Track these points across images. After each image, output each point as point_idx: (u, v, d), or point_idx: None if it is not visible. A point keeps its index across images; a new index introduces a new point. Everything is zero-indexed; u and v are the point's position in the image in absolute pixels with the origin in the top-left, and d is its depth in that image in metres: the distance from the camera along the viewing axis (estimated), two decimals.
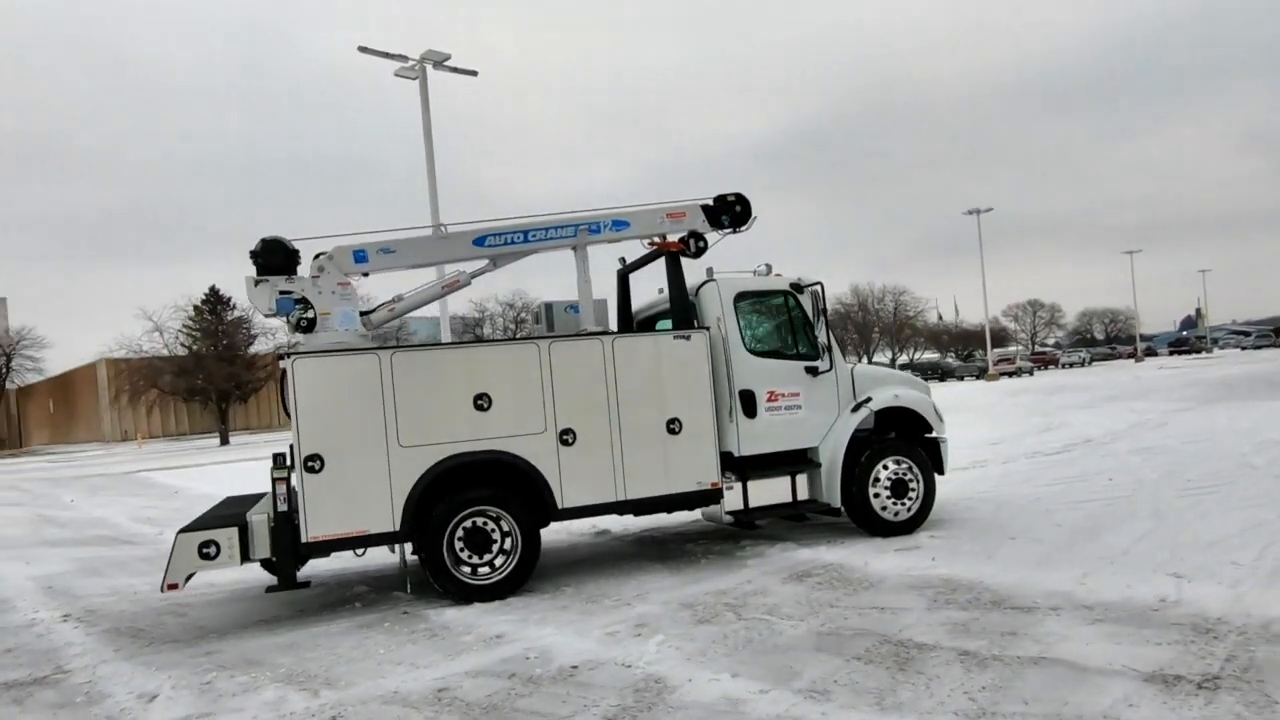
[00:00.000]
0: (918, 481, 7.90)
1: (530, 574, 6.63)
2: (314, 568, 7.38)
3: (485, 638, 5.48)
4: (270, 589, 6.10)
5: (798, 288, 7.84)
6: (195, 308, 45.85)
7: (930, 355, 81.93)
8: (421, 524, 6.27)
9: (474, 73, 21.35)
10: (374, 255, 6.57)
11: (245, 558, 5.93)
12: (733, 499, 7.35)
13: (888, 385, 8.19)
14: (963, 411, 22.35)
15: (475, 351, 6.71)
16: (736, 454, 7.41)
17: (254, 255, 6.13)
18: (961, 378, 58.60)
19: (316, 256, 6.40)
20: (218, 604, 7.00)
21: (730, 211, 7.80)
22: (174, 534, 5.94)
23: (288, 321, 6.21)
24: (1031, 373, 54.58)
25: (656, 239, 7.56)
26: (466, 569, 6.42)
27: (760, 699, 4.13)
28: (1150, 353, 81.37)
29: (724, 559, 7.37)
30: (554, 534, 8.94)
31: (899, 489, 7.81)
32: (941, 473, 8.25)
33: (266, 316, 6.35)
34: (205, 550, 5.77)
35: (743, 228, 7.97)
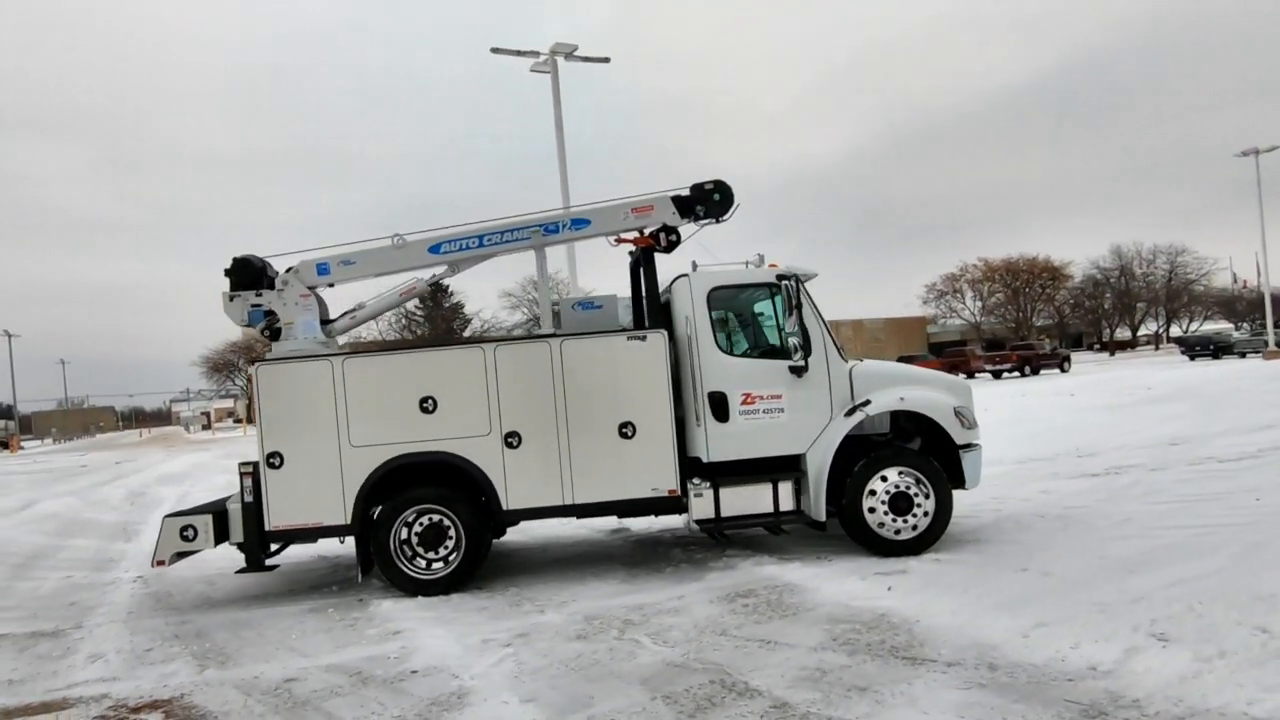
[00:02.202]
0: (927, 496, 7.07)
1: (475, 571, 6.95)
2: (330, 548, 8.22)
3: (385, 633, 5.91)
4: (238, 570, 7.02)
5: (785, 280, 7.31)
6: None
7: (1216, 325, 69.72)
8: (370, 520, 6.83)
9: (606, 59, 21.84)
10: (336, 267, 7.20)
11: (219, 541, 6.86)
12: (703, 507, 7.09)
13: (895, 386, 7.37)
14: (1186, 399, 19.00)
15: (422, 356, 7.10)
16: (705, 459, 7.14)
17: (227, 273, 7.01)
18: (1243, 354, 49.37)
19: (285, 271, 7.15)
20: (239, 579, 8.03)
21: (707, 201, 7.45)
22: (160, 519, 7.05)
23: (258, 331, 7.03)
24: None
25: (624, 236, 7.43)
26: (415, 563, 6.89)
27: None
28: None
29: (686, 569, 7.18)
30: (562, 530, 9.22)
31: (900, 504, 7.05)
32: (964, 486, 7.31)
33: (241, 327, 7.22)
34: (185, 533, 6.79)
35: (724, 217, 7.57)
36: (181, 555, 6.89)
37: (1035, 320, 71.78)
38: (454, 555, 6.88)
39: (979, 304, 72.79)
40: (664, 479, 6.99)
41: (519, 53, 20.82)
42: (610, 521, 9.25)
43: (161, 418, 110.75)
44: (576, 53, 21.08)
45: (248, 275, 6.99)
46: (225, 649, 5.83)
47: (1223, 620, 4.86)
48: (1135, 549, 6.66)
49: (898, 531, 7.05)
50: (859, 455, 7.19)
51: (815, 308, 7.36)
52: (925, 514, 7.07)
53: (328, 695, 4.77)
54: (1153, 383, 23.31)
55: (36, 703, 4.97)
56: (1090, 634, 4.81)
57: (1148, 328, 74.48)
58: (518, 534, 9.15)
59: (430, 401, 6.88)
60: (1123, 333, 75.83)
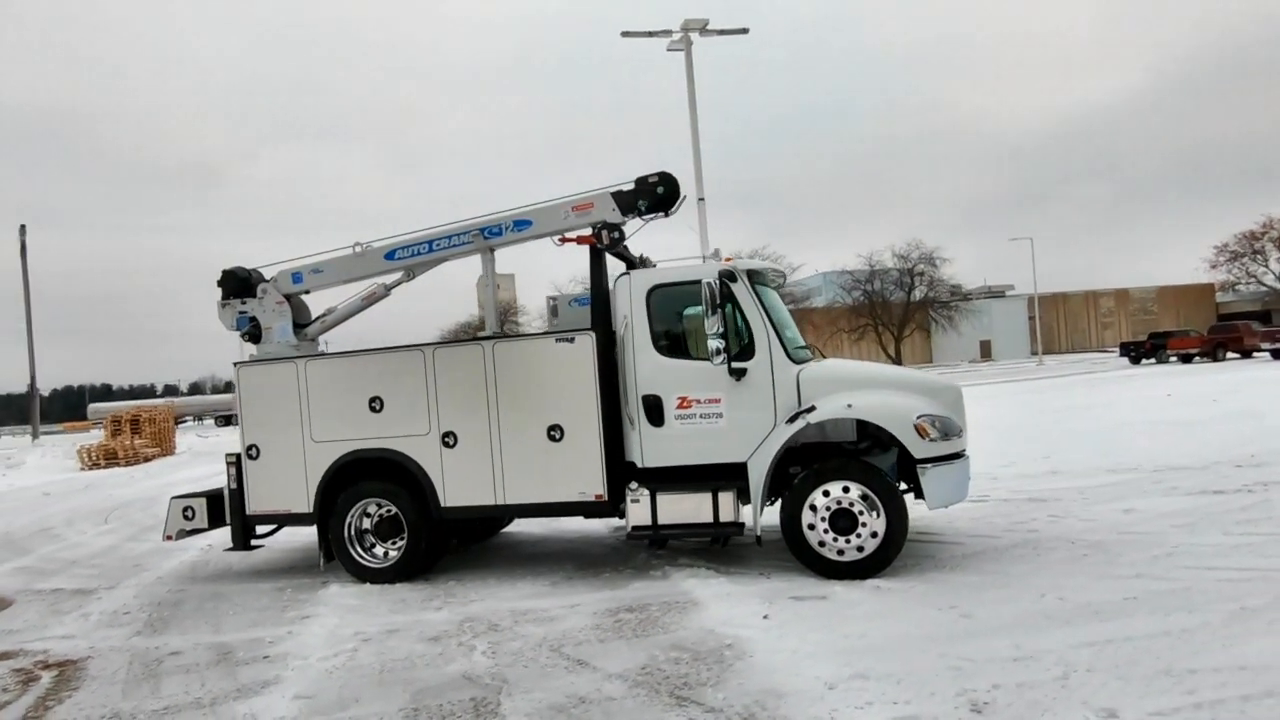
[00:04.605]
0: (875, 514, 6.41)
1: (421, 564, 7.44)
2: None
3: (298, 616, 6.60)
4: (226, 549, 8.09)
5: (730, 276, 6.93)
6: None
7: None
8: (328, 509, 7.57)
9: (745, 30, 21.24)
10: (308, 275, 7.97)
11: (215, 522, 7.98)
12: (640, 514, 6.99)
13: (847, 390, 6.70)
14: None
15: (371, 358, 7.64)
16: (640, 465, 7.03)
17: (218, 283, 8.05)
18: None
19: (265, 280, 8.07)
20: (267, 555, 9.16)
21: (650, 195, 7.23)
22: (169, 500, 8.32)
23: (240, 335, 8.02)
24: None
25: (568, 235, 7.44)
26: (373, 552, 7.55)
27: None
28: None
29: (622, 576, 7.12)
30: (568, 526, 9.45)
31: (841, 522, 6.47)
32: (947, 504, 6.59)
33: (230, 331, 8.22)
34: (186, 513, 7.98)
35: (670, 211, 7.31)
36: (186, 533, 8.10)
37: None
38: (399, 548, 7.44)
39: None
40: (591, 483, 6.99)
41: (650, 34, 20.95)
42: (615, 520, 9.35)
43: None
44: (710, 26, 20.80)
45: (233, 285, 8.00)
46: (173, 618, 6.84)
47: (1097, 694, 4.04)
48: (1120, 593, 5.61)
49: (840, 552, 6.47)
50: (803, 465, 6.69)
51: (761, 306, 6.91)
52: (873, 534, 6.41)
53: (186, 669, 5.49)
54: None
55: None
56: (900, 693, 4.22)
57: None
58: (535, 525, 9.57)
59: (378, 401, 7.45)
60: None
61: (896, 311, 53.17)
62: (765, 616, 5.60)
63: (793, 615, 5.64)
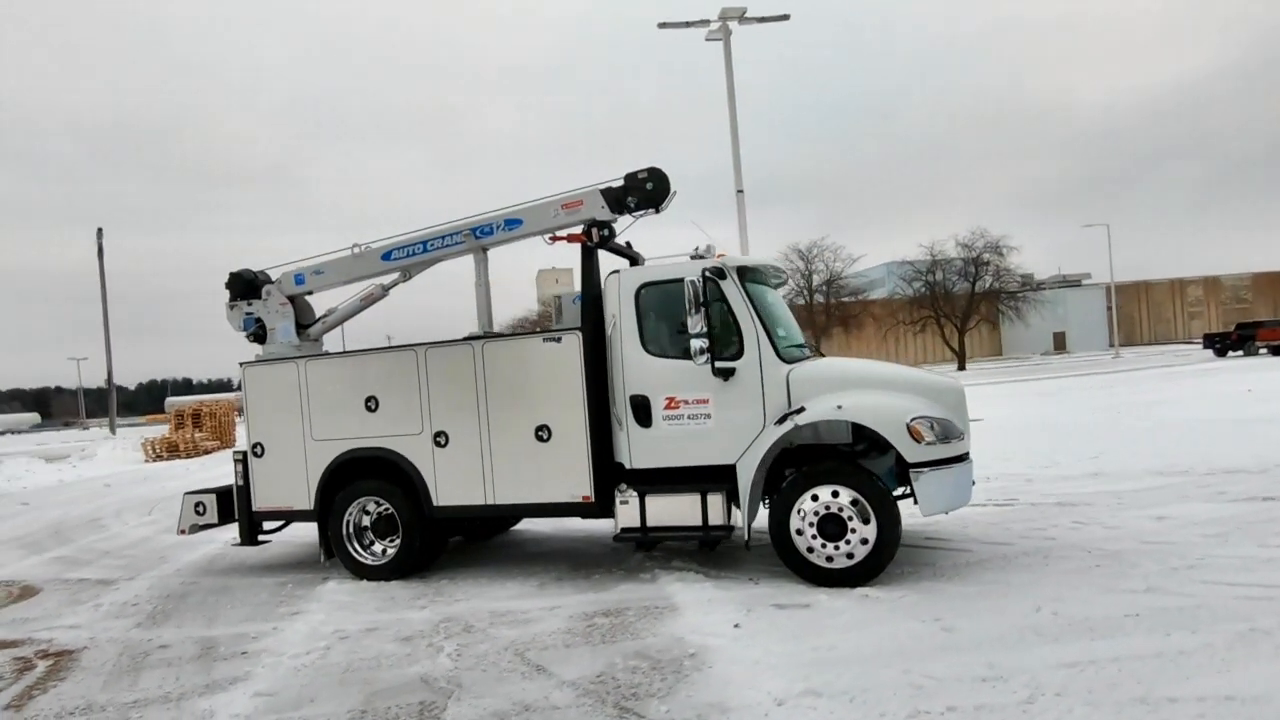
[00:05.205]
0: (865, 521, 6.20)
1: (416, 563, 7.53)
2: None
3: (290, 612, 6.75)
4: (233, 544, 8.34)
5: (719, 274, 6.78)
6: None
7: None
8: (327, 506, 7.73)
9: (785, 17, 20.79)
10: (310, 277, 8.13)
11: (225, 517, 8.23)
12: (629, 515, 6.92)
13: (838, 390, 6.48)
14: None
15: (367, 358, 7.74)
16: (628, 466, 6.96)
17: (226, 285, 8.28)
18: None
19: (270, 282, 8.26)
20: (281, 549, 9.39)
21: (640, 191, 7.13)
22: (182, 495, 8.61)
23: (246, 336, 8.23)
24: None
25: (559, 233, 7.40)
26: (373, 550, 7.68)
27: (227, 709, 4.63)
28: None
29: (612, 578, 7.06)
30: (579, 524, 9.43)
31: (829, 527, 6.27)
32: (947, 510, 6.35)
33: (238, 332, 8.42)
34: (197, 508, 8.26)
35: (661, 207, 7.19)
36: (199, 528, 8.38)
37: None
38: (394, 546, 7.54)
39: None
40: (579, 484, 6.95)
41: (687, 24, 20.73)
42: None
43: None
44: (749, 14, 20.45)
45: (241, 286, 8.23)
46: (175, 610, 7.09)
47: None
48: (1123, 608, 5.30)
49: (829, 559, 6.27)
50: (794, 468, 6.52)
51: (752, 304, 6.75)
52: (863, 541, 6.20)
53: (168, 663, 5.66)
54: None
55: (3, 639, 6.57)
56: (849, 712, 4.06)
57: None
58: (542, 524, 9.60)
59: (373, 401, 7.56)
60: None
61: (960, 303, 51.57)
62: (737, 625, 5.47)
63: (767, 624, 5.49)
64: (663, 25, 20.78)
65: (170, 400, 62.29)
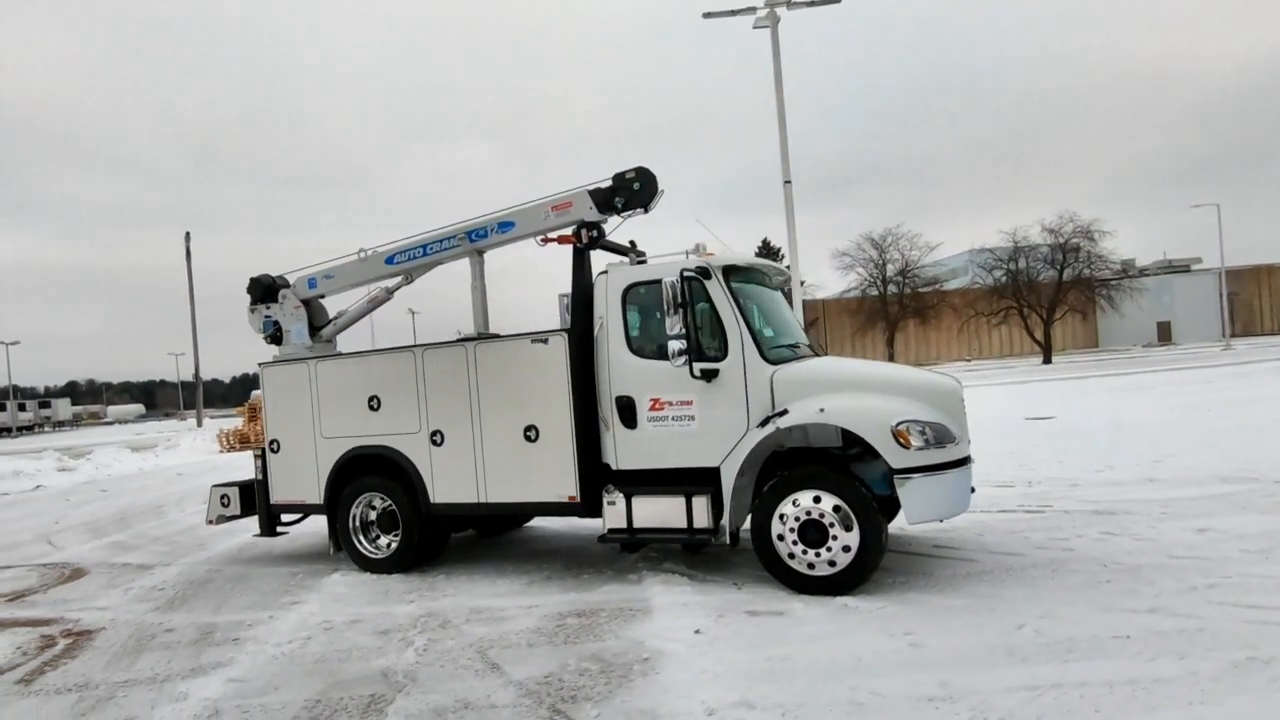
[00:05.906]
0: (849, 527, 6.07)
1: (416, 557, 7.76)
2: None
3: (290, 602, 7.07)
4: (255, 535, 8.76)
5: (704, 273, 6.73)
6: None
7: None
8: (335, 500, 8.05)
9: (836, 0, 20.30)
10: (321, 281, 8.46)
11: (247, 510, 8.67)
12: (616, 516, 6.97)
13: (824, 393, 6.34)
14: None
15: (371, 359, 8.00)
16: (614, 467, 7.00)
17: (247, 290, 8.69)
18: None
19: (288, 286, 8.63)
20: (307, 540, 9.81)
21: (627, 191, 7.13)
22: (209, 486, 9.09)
23: (264, 338, 8.62)
24: None
25: (550, 235, 7.46)
26: (378, 543, 7.98)
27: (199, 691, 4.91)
28: None
29: (601, 577, 7.13)
30: (581, 524, 9.51)
31: (810, 534, 6.17)
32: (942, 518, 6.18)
33: (257, 334, 8.81)
34: (223, 500, 8.72)
35: (649, 207, 7.17)
36: (225, 519, 8.85)
37: None
38: (396, 540, 7.81)
39: None
40: (565, 485, 7.03)
41: (733, 13, 20.47)
42: None
43: None
44: (796, 1, 20.06)
45: (261, 290, 8.63)
46: (193, 596, 7.53)
47: None
48: (1115, 629, 5.06)
49: (811, 565, 6.17)
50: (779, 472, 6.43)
51: (737, 304, 6.67)
52: (845, 548, 6.07)
53: (168, 646, 6.04)
54: None
55: (37, 617, 7.09)
56: None
57: None
58: (552, 522, 9.73)
59: (376, 400, 7.83)
60: None
61: (1045, 292, 49.19)
62: (697, 631, 5.45)
63: (731, 631, 5.45)
64: (708, 15, 20.54)
65: (255, 393, 65.52)
